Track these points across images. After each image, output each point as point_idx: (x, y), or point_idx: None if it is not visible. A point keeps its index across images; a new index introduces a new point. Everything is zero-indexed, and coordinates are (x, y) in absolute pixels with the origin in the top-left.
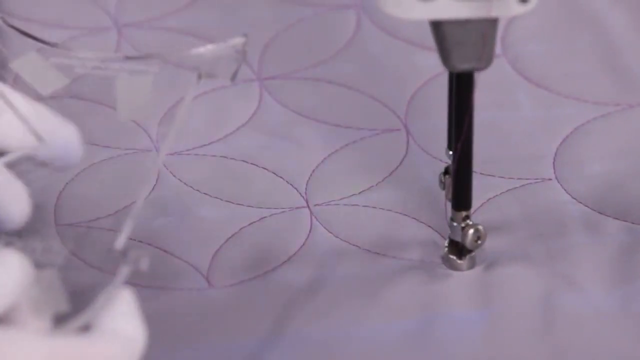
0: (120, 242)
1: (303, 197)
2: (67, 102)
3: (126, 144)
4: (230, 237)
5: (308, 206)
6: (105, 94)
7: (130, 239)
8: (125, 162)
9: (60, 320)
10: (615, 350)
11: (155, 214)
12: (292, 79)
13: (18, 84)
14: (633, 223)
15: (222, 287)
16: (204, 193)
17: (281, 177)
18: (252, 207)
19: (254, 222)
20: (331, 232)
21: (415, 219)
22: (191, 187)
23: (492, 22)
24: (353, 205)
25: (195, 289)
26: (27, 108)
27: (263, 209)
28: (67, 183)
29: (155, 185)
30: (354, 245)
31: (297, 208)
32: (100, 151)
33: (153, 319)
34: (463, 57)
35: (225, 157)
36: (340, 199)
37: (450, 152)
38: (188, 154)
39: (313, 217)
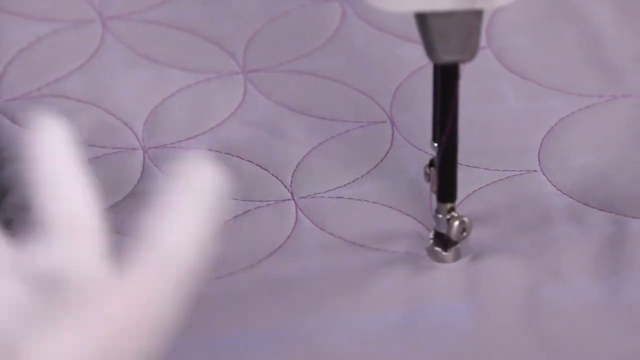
0: None
1: (288, 189)
2: (53, 100)
3: (112, 142)
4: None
5: (293, 199)
6: (92, 93)
7: (117, 232)
8: (111, 161)
9: None
10: (600, 342)
11: (140, 208)
12: (277, 72)
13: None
14: (618, 214)
15: (209, 280)
16: None
17: (266, 170)
18: (237, 200)
19: (239, 214)
20: (316, 225)
21: (400, 211)
22: None
23: (477, 14)
24: (338, 197)
25: None
26: None
27: (248, 202)
28: None
29: (140, 178)
30: (339, 237)
31: (282, 201)
32: (85, 150)
33: None
34: (448, 49)
35: (210, 150)
36: (326, 192)
37: (435, 144)
38: (173, 147)
39: (298, 210)
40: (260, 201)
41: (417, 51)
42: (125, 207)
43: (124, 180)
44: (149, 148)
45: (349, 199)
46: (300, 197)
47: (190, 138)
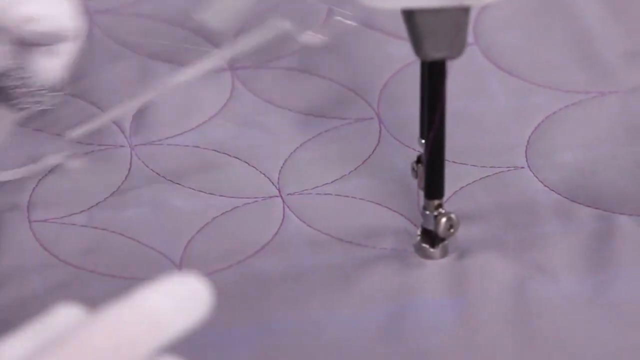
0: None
1: (276, 186)
2: None
3: (100, 140)
4: (202, 227)
5: (281, 195)
6: (78, 88)
7: (102, 229)
8: (98, 158)
9: None
10: (587, 338)
11: (127, 204)
12: (264, 68)
13: None
14: (605, 211)
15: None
16: (177, 183)
17: (254, 167)
18: (224, 196)
19: (227, 211)
20: (304, 222)
21: (387, 207)
22: (163, 177)
23: (464, 11)
24: (326, 194)
25: None
26: None
27: (235, 199)
28: (39, 180)
29: (127, 175)
30: (326, 234)
31: (269, 197)
32: (73, 147)
33: None
34: (435, 46)
35: (197, 146)
36: (313, 188)
37: (423, 141)
38: (160, 144)
39: (286, 207)
40: (248, 198)
41: (404, 48)
42: (112, 204)
43: (110, 178)
44: (135, 145)
45: (336, 195)
46: (288, 194)
47: (178, 135)
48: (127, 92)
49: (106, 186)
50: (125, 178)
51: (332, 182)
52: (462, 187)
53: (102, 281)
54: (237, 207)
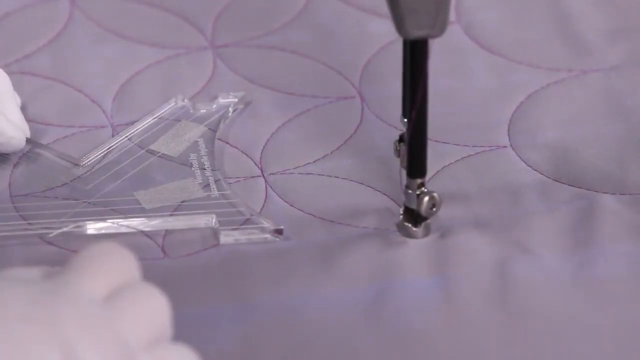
0: None
1: (258, 166)
2: (21, 78)
3: (81, 121)
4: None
5: (263, 175)
6: (60, 71)
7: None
8: (80, 139)
9: None
10: (569, 316)
11: (108, 182)
12: (246, 47)
13: None
14: (587, 190)
15: (177, 257)
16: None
17: (235, 147)
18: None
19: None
20: (286, 201)
21: (370, 187)
22: (145, 151)
23: None
24: (308, 174)
25: (151, 258)
26: None
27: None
28: (19, 157)
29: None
30: (308, 214)
31: (252, 177)
32: (54, 130)
33: None
34: (417, 25)
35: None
36: (295, 168)
37: (405, 120)
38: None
39: (268, 186)
40: (230, 178)
41: (386, 26)
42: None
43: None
44: (117, 125)
45: (318, 175)
46: (270, 174)
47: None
48: (111, 76)
49: (90, 162)
50: (105, 156)
51: (314, 161)
52: (445, 166)
53: None
54: None
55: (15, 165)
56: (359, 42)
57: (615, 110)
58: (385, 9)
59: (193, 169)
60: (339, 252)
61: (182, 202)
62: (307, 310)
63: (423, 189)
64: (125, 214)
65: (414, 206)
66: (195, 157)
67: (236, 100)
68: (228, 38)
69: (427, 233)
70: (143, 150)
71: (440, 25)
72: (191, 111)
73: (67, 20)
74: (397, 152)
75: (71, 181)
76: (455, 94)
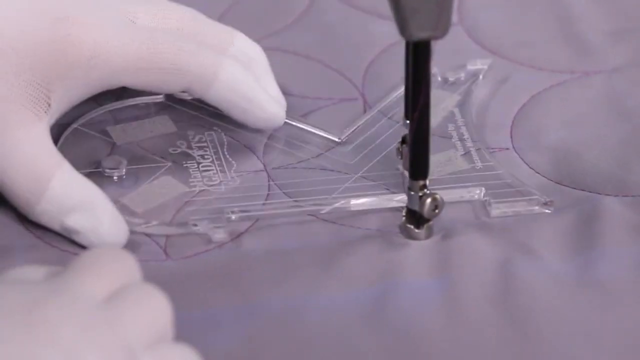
0: None
1: (261, 160)
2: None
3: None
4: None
5: (266, 170)
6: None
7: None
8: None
9: None
10: (572, 318)
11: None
12: None
13: None
14: (590, 192)
15: (179, 258)
16: (161, 158)
17: (237, 141)
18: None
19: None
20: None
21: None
22: (147, 153)
23: None
24: (310, 168)
25: (153, 260)
26: None
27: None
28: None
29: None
30: (312, 214)
31: (255, 172)
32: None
33: None
34: (420, 26)
35: None
36: (298, 162)
37: (408, 122)
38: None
39: (271, 181)
40: (234, 172)
41: (389, 28)
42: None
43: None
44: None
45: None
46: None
47: None
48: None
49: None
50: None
51: (317, 156)
52: None
53: None
54: (222, 182)
55: (269, 138)
56: (361, 43)
57: (617, 112)
58: (387, 10)
59: (453, 140)
60: (341, 253)
61: (449, 174)
62: (309, 311)
63: (425, 190)
64: (391, 188)
65: (416, 208)
66: (453, 128)
67: (485, 67)
68: None
69: (429, 235)
70: (398, 124)
71: (442, 26)
72: (439, 79)
73: None
74: (400, 154)
75: (331, 155)
76: None
